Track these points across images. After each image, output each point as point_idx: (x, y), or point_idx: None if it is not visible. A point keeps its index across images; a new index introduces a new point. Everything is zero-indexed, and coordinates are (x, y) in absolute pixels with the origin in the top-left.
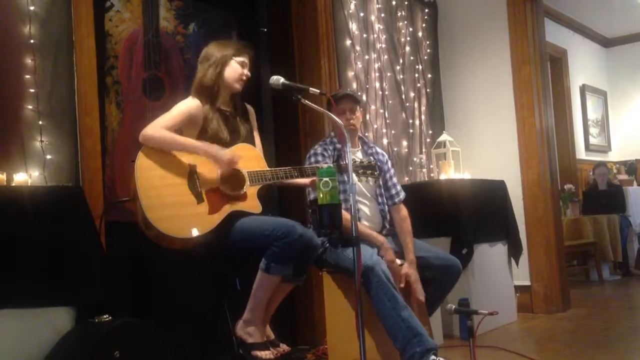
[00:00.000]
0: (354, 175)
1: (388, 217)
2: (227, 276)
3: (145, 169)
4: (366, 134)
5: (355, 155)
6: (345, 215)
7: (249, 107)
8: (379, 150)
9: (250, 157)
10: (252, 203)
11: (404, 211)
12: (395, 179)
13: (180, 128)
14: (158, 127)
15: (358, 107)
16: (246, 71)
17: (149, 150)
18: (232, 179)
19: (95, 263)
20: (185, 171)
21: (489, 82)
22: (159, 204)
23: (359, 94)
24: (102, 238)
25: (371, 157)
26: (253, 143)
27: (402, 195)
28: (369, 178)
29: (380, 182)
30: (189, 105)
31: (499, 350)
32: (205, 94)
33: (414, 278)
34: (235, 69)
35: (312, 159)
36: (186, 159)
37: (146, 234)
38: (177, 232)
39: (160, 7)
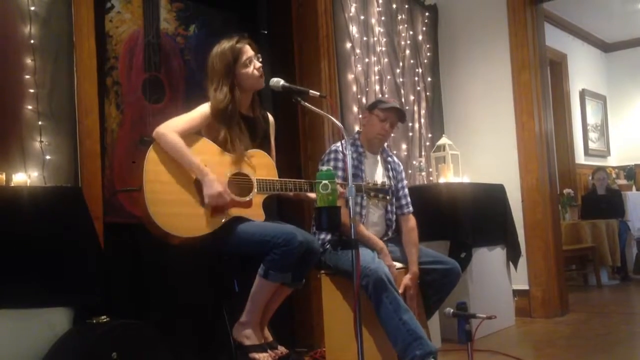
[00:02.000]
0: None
1: (393, 226)
2: (225, 278)
3: (155, 163)
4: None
5: (374, 161)
6: (346, 218)
7: (270, 117)
8: (396, 159)
9: (262, 164)
10: (256, 211)
11: (412, 222)
12: (406, 190)
13: (200, 130)
14: (173, 129)
15: (398, 124)
16: (257, 63)
17: (160, 145)
18: (240, 185)
19: (94, 264)
20: None
21: (488, 86)
22: (163, 199)
23: (359, 97)
24: (100, 239)
25: (388, 166)
26: (269, 150)
27: (411, 208)
28: (380, 202)
29: (392, 191)
30: (209, 109)
31: (497, 355)
32: (221, 115)
33: (413, 292)
34: (247, 73)
35: (332, 155)
36: (197, 158)
37: (148, 228)
38: (175, 230)
39: (160, 9)
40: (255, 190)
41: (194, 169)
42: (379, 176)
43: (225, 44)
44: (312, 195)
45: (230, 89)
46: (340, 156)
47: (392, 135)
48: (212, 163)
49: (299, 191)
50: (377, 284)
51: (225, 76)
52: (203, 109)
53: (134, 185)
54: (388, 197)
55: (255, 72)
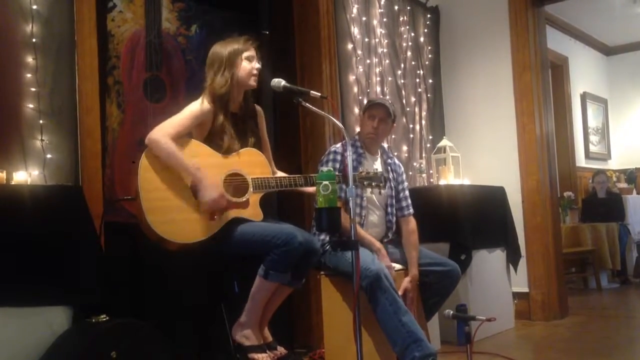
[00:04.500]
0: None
1: (394, 228)
2: (225, 279)
3: (148, 170)
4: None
5: (374, 163)
6: (346, 218)
7: (258, 109)
8: (396, 161)
9: (255, 162)
10: (253, 211)
11: (412, 224)
12: (407, 192)
13: (190, 131)
14: (165, 135)
15: (390, 120)
16: (256, 64)
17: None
18: (236, 185)
19: (94, 263)
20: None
21: (489, 88)
22: (160, 206)
23: (360, 98)
24: (100, 238)
25: (388, 167)
26: (261, 147)
27: (412, 210)
28: (374, 190)
29: (393, 193)
30: (199, 107)
31: (496, 357)
32: (218, 101)
33: (413, 294)
34: (245, 67)
35: (331, 156)
36: (190, 162)
37: (146, 234)
38: (175, 236)
39: (162, 8)
40: (251, 189)
41: (189, 174)
42: None
43: (232, 41)
44: (310, 189)
45: (231, 76)
46: (338, 157)
47: (393, 136)
48: (205, 165)
49: (295, 187)
50: (376, 285)
51: (228, 62)
52: (192, 108)
53: (133, 185)
54: (381, 185)
55: (254, 70)
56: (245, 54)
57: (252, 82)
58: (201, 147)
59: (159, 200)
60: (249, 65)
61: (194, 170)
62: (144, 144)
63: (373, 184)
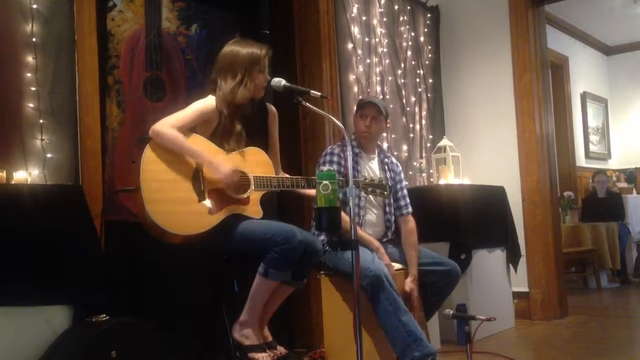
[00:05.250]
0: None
1: (393, 227)
2: (225, 278)
3: (151, 162)
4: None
5: (371, 162)
6: (345, 218)
7: (271, 109)
8: (394, 160)
9: (258, 162)
10: (253, 208)
11: (411, 223)
12: (405, 191)
13: (195, 126)
14: (168, 125)
15: (383, 118)
16: (268, 76)
17: (157, 144)
18: (237, 182)
19: (94, 262)
20: (191, 169)
21: (490, 88)
22: (160, 198)
23: (360, 97)
24: (100, 237)
25: (386, 167)
26: (266, 147)
27: (410, 209)
28: (378, 197)
29: (391, 192)
30: (205, 105)
31: (496, 357)
32: (233, 110)
33: (416, 294)
34: (260, 78)
35: (328, 157)
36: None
37: (145, 226)
38: (173, 227)
39: (162, 8)
40: (253, 187)
41: (197, 157)
42: (375, 176)
43: (252, 44)
44: (310, 191)
45: (253, 89)
46: (335, 158)
47: (393, 136)
48: None
49: (296, 188)
50: (376, 284)
51: (249, 75)
52: (199, 105)
53: (134, 185)
54: (386, 193)
55: (264, 81)
56: (263, 64)
57: (262, 93)
58: (205, 143)
59: (160, 192)
60: (263, 75)
61: (200, 153)
62: (144, 142)
63: (377, 191)
